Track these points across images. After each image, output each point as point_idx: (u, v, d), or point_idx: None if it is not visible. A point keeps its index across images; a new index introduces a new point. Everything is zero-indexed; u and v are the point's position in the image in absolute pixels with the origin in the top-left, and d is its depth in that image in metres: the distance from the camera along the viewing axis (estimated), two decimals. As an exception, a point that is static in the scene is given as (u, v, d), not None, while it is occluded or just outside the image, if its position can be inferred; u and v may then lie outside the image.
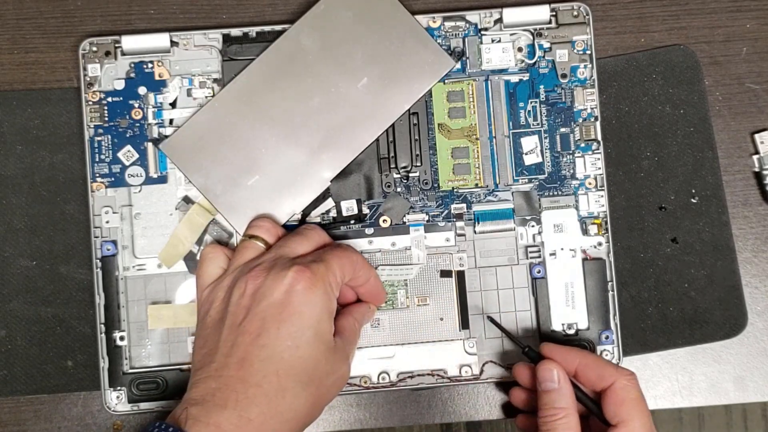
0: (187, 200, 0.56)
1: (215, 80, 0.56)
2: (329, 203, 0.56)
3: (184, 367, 0.55)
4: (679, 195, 0.57)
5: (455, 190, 0.56)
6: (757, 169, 0.58)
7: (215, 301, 0.49)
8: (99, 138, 0.56)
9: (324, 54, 0.55)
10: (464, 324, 0.56)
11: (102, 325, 0.55)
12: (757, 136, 0.58)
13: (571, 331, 0.55)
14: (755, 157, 0.58)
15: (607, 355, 0.55)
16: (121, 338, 0.55)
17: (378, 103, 0.55)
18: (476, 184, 0.56)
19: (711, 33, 0.59)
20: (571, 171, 0.56)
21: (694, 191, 0.57)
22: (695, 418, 0.60)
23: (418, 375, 0.56)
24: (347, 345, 0.51)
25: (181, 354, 0.55)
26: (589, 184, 0.56)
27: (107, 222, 0.56)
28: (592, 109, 0.56)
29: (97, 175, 0.56)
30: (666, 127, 0.58)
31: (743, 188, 0.58)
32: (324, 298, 0.47)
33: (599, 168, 0.56)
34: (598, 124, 0.56)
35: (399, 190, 0.56)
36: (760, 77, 0.58)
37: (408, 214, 0.56)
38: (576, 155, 0.56)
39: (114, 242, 0.55)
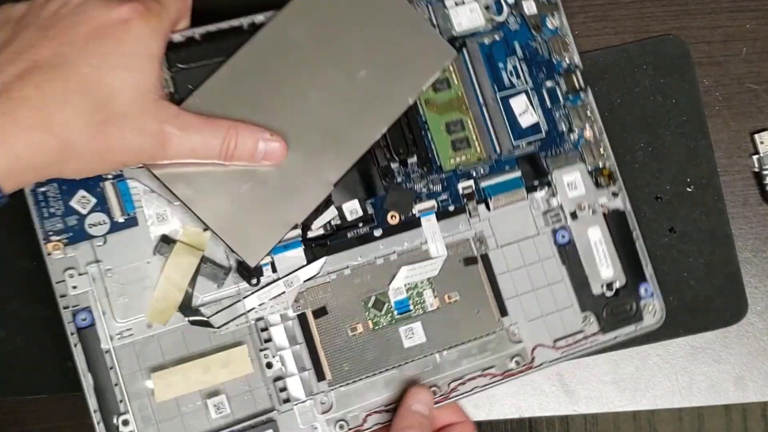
0: (167, 240, 0.46)
1: (171, 95, 0.47)
2: (332, 211, 0.48)
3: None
4: (674, 184, 0.57)
5: (458, 168, 0.51)
6: (756, 169, 0.58)
7: None
8: (42, 189, 0.46)
9: (315, 46, 0.47)
10: (502, 311, 0.50)
11: (97, 413, 0.44)
12: (756, 136, 0.58)
13: (611, 293, 0.51)
14: (755, 157, 0.58)
15: (650, 309, 0.52)
16: (125, 423, 0.45)
17: (379, 98, 0.48)
18: (478, 158, 0.51)
19: (711, 33, 0.58)
20: (567, 125, 0.53)
21: (689, 180, 0.57)
22: (695, 418, 0.60)
23: (470, 379, 0.49)
24: (188, 124, 0.43)
25: (200, 421, 0.46)
26: (588, 136, 0.53)
27: (74, 287, 0.45)
28: (570, 58, 0.53)
29: (51, 233, 0.45)
30: (659, 117, 0.57)
31: (743, 188, 0.58)
32: (154, 37, 0.43)
33: (595, 119, 0.53)
34: (578, 72, 0.53)
35: (399, 180, 0.50)
36: (760, 77, 0.58)
37: (415, 203, 0.50)
38: (568, 107, 0.53)
39: (88, 309, 0.45)
